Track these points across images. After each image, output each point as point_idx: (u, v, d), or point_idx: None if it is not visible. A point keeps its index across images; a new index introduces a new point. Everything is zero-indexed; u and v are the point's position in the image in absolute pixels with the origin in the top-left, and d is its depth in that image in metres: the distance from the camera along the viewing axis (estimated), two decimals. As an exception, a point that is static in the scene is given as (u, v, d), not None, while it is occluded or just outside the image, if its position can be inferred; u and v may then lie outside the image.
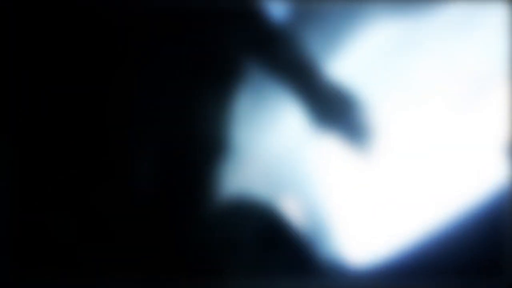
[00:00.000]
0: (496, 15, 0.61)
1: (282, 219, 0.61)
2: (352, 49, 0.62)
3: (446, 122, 0.62)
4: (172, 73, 0.62)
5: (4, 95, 0.61)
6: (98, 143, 0.61)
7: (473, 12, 0.61)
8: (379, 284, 0.61)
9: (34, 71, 0.62)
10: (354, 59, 0.62)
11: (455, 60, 0.62)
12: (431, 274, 0.61)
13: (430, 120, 0.62)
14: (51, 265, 0.61)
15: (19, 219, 0.61)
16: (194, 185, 0.62)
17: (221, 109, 0.62)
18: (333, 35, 0.62)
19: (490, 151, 0.62)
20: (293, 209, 0.61)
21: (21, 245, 0.61)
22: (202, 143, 0.61)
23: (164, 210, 0.61)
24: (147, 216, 0.61)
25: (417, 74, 0.62)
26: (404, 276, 0.61)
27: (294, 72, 0.62)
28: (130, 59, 0.62)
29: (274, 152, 0.62)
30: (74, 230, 0.61)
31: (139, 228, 0.61)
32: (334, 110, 0.62)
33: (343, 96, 0.62)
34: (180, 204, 0.61)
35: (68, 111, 0.61)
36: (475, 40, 0.62)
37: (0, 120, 0.61)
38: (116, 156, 0.61)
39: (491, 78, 0.62)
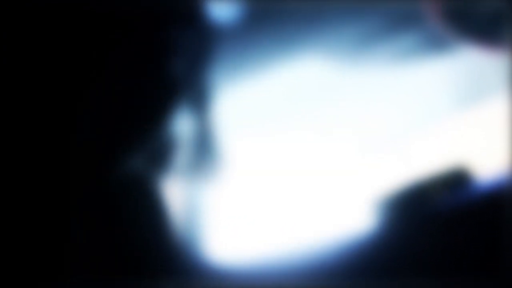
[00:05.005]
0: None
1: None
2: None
3: (451, 115, 0.62)
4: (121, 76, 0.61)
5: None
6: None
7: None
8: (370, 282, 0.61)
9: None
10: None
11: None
12: (431, 274, 0.61)
13: (429, 119, 0.62)
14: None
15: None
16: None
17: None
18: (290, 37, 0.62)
19: (490, 150, 0.62)
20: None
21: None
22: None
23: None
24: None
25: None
26: (403, 276, 0.61)
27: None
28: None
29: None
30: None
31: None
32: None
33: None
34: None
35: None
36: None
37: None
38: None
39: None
